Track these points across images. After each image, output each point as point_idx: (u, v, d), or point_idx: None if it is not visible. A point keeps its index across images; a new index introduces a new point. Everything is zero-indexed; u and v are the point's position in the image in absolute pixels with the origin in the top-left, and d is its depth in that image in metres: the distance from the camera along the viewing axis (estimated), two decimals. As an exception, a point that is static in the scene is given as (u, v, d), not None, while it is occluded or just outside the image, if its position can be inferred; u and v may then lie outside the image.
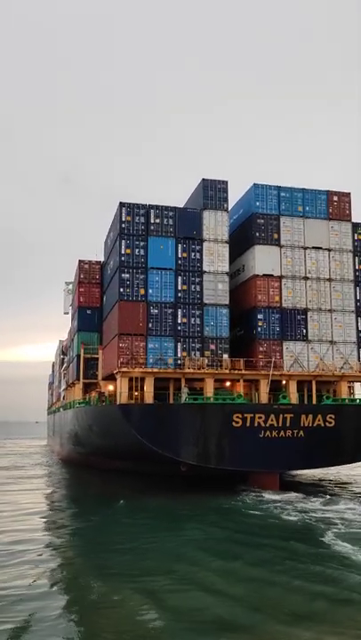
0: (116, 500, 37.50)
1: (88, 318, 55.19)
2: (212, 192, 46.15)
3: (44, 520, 32.15)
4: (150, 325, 43.34)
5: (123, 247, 44.01)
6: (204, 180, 46.32)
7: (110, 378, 50.31)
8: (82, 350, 53.95)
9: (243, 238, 47.83)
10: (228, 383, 45.14)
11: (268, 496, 37.92)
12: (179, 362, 43.03)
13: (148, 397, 41.21)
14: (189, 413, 40.43)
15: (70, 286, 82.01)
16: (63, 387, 77.43)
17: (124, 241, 44.11)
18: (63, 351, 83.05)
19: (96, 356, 53.91)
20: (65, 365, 75.92)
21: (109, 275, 49.82)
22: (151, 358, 42.75)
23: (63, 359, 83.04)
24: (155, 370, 41.76)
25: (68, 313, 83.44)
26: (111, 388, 51.94)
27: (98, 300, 55.49)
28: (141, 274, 44.01)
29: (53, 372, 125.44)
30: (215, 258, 45.47)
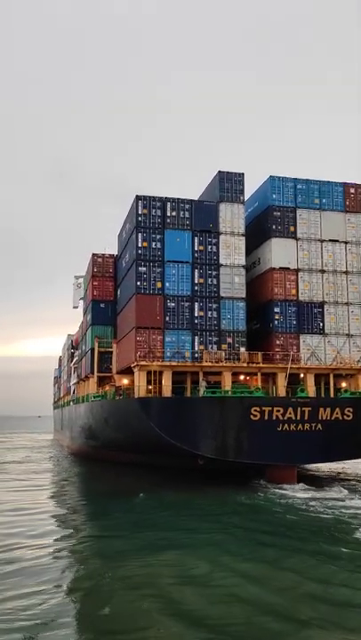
0: (135, 493, 37.38)
1: (102, 312, 55.02)
2: (228, 184, 45.87)
3: (67, 514, 32.07)
4: (167, 319, 43.20)
5: (139, 240, 43.80)
6: (220, 172, 46.03)
7: (125, 371, 50.24)
8: (96, 344, 53.83)
9: (258, 231, 47.57)
10: (241, 377, 44.96)
11: (289, 492, 37.32)
12: (196, 355, 42.93)
13: (167, 391, 41.11)
14: (208, 407, 40.35)
15: (80, 280, 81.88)
16: (74, 381, 77.37)
17: (140, 234, 43.90)
18: (73, 345, 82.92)
19: (110, 349, 53.83)
20: (76, 359, 75.81)
21: (124, 268, 49.63)
22: (168, 352, 42.63)
23: (73, 353, 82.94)
24: (173, 363, 41.65)
25: (77, 307, 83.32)
26: (126, 381, 51.88)
27: (112, 294, 55.32)
28: (158, 267, 43.82)
29: (60, 366, 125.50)
30: (232, 251, 45.25)
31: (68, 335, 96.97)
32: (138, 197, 44.47)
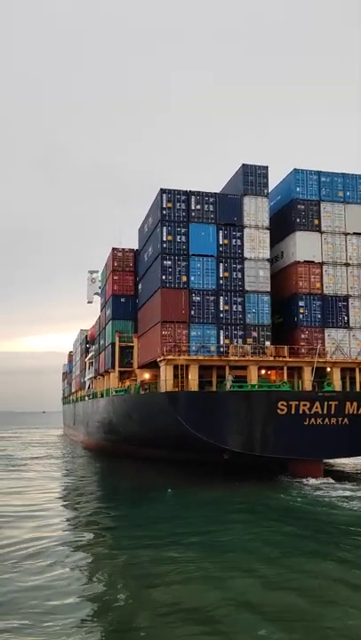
0: (162, 489, 37.16)
1: (122, 306, 54.85)
2: (252, 177, 45.59)
3: (99, 510, 31.82)
4: (192, 313, 43.04)
5: (164, 234, 43.59)
6: (244, 165, 45.74)
7: (147, 366, 50.17)
8: (117, 339, 53.68)
9: (281, 224, 47.29)
10: (262, 371, 44.76)
11: (325, 490, 35.99)
12: (221, 349, 42.79)
13: (193, 385, 40.99)
14: (235, 401, 40.21)
15: (94, 275, 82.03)
16: (90, 376, 77.35)
17: (165, 227, 43.68)
18: (88, 340, 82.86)
19: (131, 344, 53.72)
20: (92, 354, 75.74)
21: (146, 262, 49.43)
22: (194, 346, 42.50)
23: (88, 348, 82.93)
24: (200, 357, 41.52)
25: (92, 302, 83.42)
26: (147, 376, 51.80)
27: (132, 288, 55.14)
28: (183, 261, 43.64)
29: (72, 361, 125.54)
30: (256, 244, 45.02)
31: (81, 330, 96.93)
32: (162, 190, 44.23)
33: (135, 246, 56.30)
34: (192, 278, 43.52)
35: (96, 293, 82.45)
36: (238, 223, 44.85)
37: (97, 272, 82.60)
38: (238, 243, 44.66)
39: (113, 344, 54.36)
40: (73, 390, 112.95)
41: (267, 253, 45.07)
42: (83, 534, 25.25)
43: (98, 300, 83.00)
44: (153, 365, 48.25)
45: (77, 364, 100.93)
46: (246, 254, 44.63)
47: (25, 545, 22.73)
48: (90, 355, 78.01)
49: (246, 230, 44.87)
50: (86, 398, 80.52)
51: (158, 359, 42.26)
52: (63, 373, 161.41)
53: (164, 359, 41.00)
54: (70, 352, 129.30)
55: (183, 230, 43.94)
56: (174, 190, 44.36)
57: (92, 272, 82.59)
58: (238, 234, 44.75)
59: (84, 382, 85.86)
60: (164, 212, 43.82)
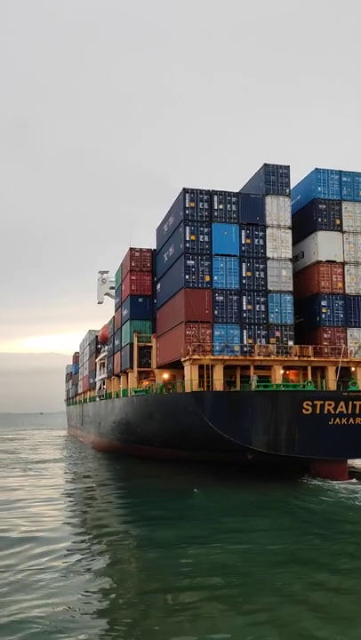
0: (188, 489, 36.95)
1: (140, 306, 54.72)
2: (273, 177, 45.55)
3: (128, 513, 31.68)
4: (216, 312, 42.97)
5: (187, 233, 43.49)
6: (265, 165, 45.68)
7: (166, 366, 50.07)
8: (135, 339, 53.52)
9: (302, 224, 47.25)
10: (281, 370, 44.66)
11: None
12: (245, 349, 42.71)
13: (219, 385, 40.90)
14: (261, 401, 40.10)
15: (105, 276, 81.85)
16: (102, 376, 77.09)
17: (188, 227, 43.59)
18: (99, 341, 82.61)
19: (149, 344, 53.58)
20: (104, 355, 75.52)
21: (167, 262, 49.30)
22: (217, 346, 42.41)
23: (99, 349, 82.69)
24: (225, 357, 41.42)
25: (102, 302, 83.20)
26: (166, 376, 51.67)
27: (149, 288, 55.02)
28: (206, 260, 43.56)
29: (77, 362, 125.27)
30: (278, 244, 44.98)
31: (90, 331, 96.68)
32: (185, 190, 44.13)
33: (143, 245, 56.87)
34: (215, 278, 43.44)
35: (107, 294, 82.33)
36: (261, 223, 44.80)
37: (107, 272, 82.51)
38: (261, 242, 44.60)
39: (131, 344, 54.19)
40: (80, 391, 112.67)
41: (289, 253, 45.05)
42: (127, 537, 25.17)
43: (108, 301, 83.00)
44: (173, 365, 48.15)
45: (85, 364, 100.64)
46: (269, 254, 44.58)
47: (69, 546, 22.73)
48: (102, 355, 77.74)
49: (269, 230, 44.84)
50: (97, 399, 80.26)
51: (183, 359, 42.12)
52: (67, 374, 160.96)
53: (189, 359, 40.87)
54: (76, 353, 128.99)
55: (206, 230, 43.86)
56: (197, 190, 44.28)
57: (102, 272, 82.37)
58: (261, 233, 44.70)
59: (95, 383, 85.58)
60: (187, 212, 43.73)
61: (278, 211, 45.23)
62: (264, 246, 44.56)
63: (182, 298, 43.11)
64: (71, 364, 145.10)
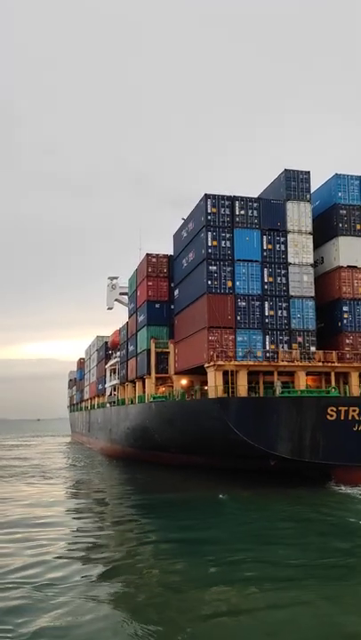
0: (212, 494, 36.61)
1: (157, 312, 54.57)
2: (294, 183, 45.62)
3: (167, 519, 31.40)
4: (238, 318, 42.89)
5: (209, 239, 43.44)
6: (286, 170, 45.74)
7: (185, 372, 49.88)
8: (152, 345, 53.31)
9: (322, 229, 47.23)
10: (305, 376, 44.49)
11: None
12: (268, 355, 42.57)
13: (243, 391, 40.71)
14: (286, 407, 39.91)
15: (115, 281, 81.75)
16: (113, 382, 76.79)
17: (210, 233, 43.55)
18: (109, 347, 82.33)
19: (167, 350, 53.36)
20: (115, 361, 75.19)
21: (186, 268, 49.17)
22: (240, 351, 42.27)
23: (109, 355, 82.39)
24: (250, 363, 41.27)
25: (112, 308, 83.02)
26: (184, 382, 51.46)
27: (166, 294, 54.91)
28: (228, 266, 43.50)
29: (82, 368, 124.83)
30: (300, 249, 44.98)
31: (98, 337, 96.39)
32: (207, 196, 44.11)
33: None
34: (237, 283, 43.37)
35: (117, 300, 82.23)
36: (282, 228, 44.81)
37: (117, 278, 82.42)
38: (282, 248, 44.60)
39: (148, 350, 53.98)
40: (86, 397, 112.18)
41: (310, 258, 45.05)
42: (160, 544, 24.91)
43: (117, 306, 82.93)
44: (193, 371, 47.95)
45: (93, 371, 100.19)
46: (290, 259, 44.57)
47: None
48: (113, 361, 77.40)
49: (290, 235, 44.85)
50: (108, 405, 79.91)
51: (206, 365, 41.93)
52: (70, 380, 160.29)
53: (214, 364, 40.68)
54: (81, 359, 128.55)
55: (228, 235, 43.82)
56: (218, 195, 44.26)
57: (111, 278, 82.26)
58: (282, 239, 44.70)
59: (104, 389, 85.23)
60: (209, 217, 43.69)
61: (299, 216, 45.26)
62: (285, 252, 44.54)
63: (205, 303, 42.99)
64: (75, 369, 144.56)
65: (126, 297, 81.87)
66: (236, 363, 41.04)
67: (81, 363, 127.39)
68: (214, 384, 40.70)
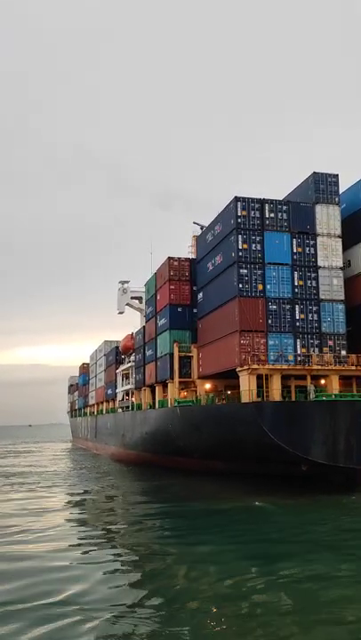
0: (246, 502, 35.90)
1: (179, 316, 54.05)
2: (323, 186, 45.42)
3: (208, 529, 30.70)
4: (270, 322, 42.50)
5: (240, 242, 43.09)
6: (315, 173, 45.55)
7: (211, 377, 49.42)
8: (176, 348, 52.78)
9: (349, 233, 46.97)
10: (322, 381, 44.14)
11: None
12: (299, 358, 42.23)
13: (277, 395, 40.31)
14: (320, 411, 39.55)
15: (125, 285, 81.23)
16: (125, 387, 76.07)
17: (240, 236, 43.20)
18: (120, 352, 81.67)
19: (190, 354, 52.84)
20: (128, 365, 74.52)
21: (211, 271, 48.74)
22: (272, 355, 41.89)
23: (119, 360, 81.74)
24: (283, 367, 40.88)
25: (123, 312, 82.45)
26: (208, 386, 50.98)
27: (188, 298, 54.44)
28: (259, 269, 43.15)
29: (86, 373, 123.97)
30: (329, 252, 44.77)
31: (105, 341, 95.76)
32: (237, 199, 43.78)
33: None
34: (268, 287, 43.02)
35: (128, 304, 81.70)
36: (311, 231, 44.57)
37: (128, 282, 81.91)
38: (312, 251, 44.35)
39: (171, 354, 53.39)
40: (92, 402, 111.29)
41: (340, 261, 44.84)
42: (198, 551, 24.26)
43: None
44: (219, 375, 47.52)
45: (100, 376, 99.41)
46: (320, 262, 44.32)
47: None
48: (126, 366, 76.73)
49: (319, 238, 44.62)
50: (119, 410, 79.17)
51: (238, 369, 41.48)
52: (71, 386, 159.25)
53: (248, 368, 40.25)
54: (84, 364, 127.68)
55: (258, 238, 43.50)
56: (248, 198, 43.95)
57: (123, 282, 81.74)
58: (312, 242, 44.45)
59: (114, 394, 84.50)
60: (239, 220, 43.35)
61: (328, 219, 45.07)
62: (315, 255, 44.30)
63: (235, 307, 42.58)
64: (76, 375, 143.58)
65: (137, 301, 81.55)
66: (270, 366, 40.65)
67: (84, 368, 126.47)
68: (248, 388, 40.26)
